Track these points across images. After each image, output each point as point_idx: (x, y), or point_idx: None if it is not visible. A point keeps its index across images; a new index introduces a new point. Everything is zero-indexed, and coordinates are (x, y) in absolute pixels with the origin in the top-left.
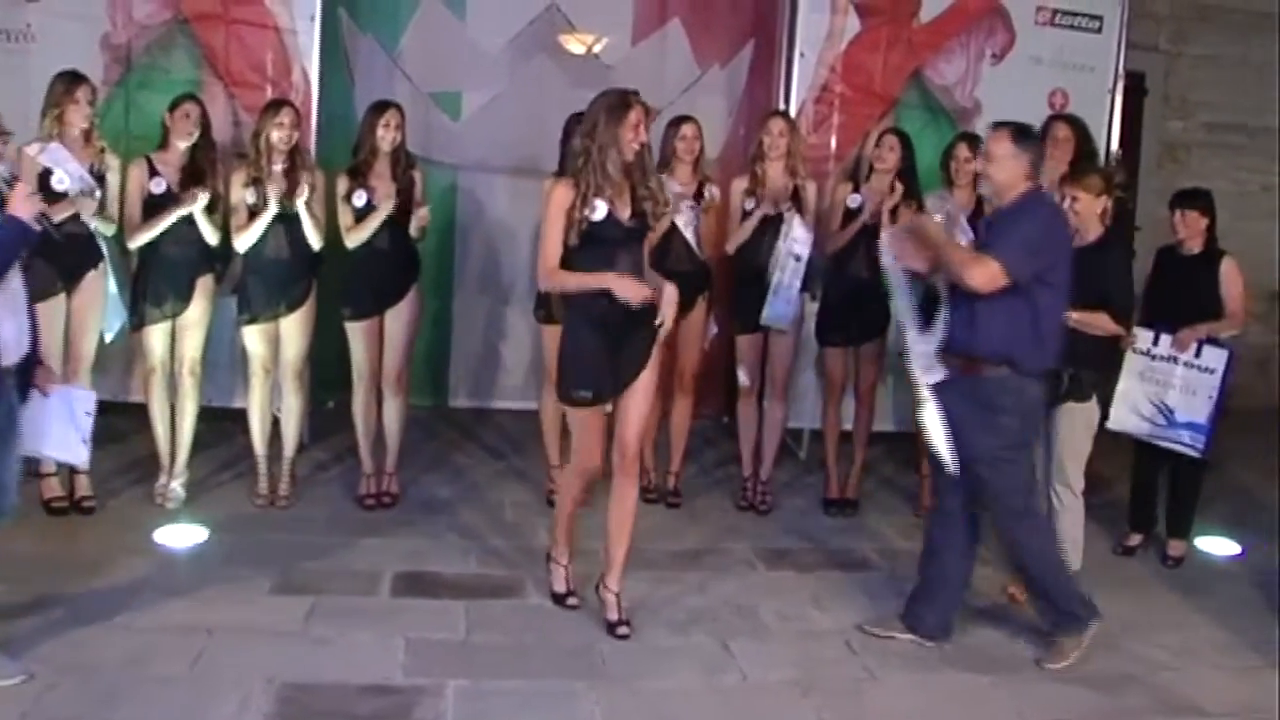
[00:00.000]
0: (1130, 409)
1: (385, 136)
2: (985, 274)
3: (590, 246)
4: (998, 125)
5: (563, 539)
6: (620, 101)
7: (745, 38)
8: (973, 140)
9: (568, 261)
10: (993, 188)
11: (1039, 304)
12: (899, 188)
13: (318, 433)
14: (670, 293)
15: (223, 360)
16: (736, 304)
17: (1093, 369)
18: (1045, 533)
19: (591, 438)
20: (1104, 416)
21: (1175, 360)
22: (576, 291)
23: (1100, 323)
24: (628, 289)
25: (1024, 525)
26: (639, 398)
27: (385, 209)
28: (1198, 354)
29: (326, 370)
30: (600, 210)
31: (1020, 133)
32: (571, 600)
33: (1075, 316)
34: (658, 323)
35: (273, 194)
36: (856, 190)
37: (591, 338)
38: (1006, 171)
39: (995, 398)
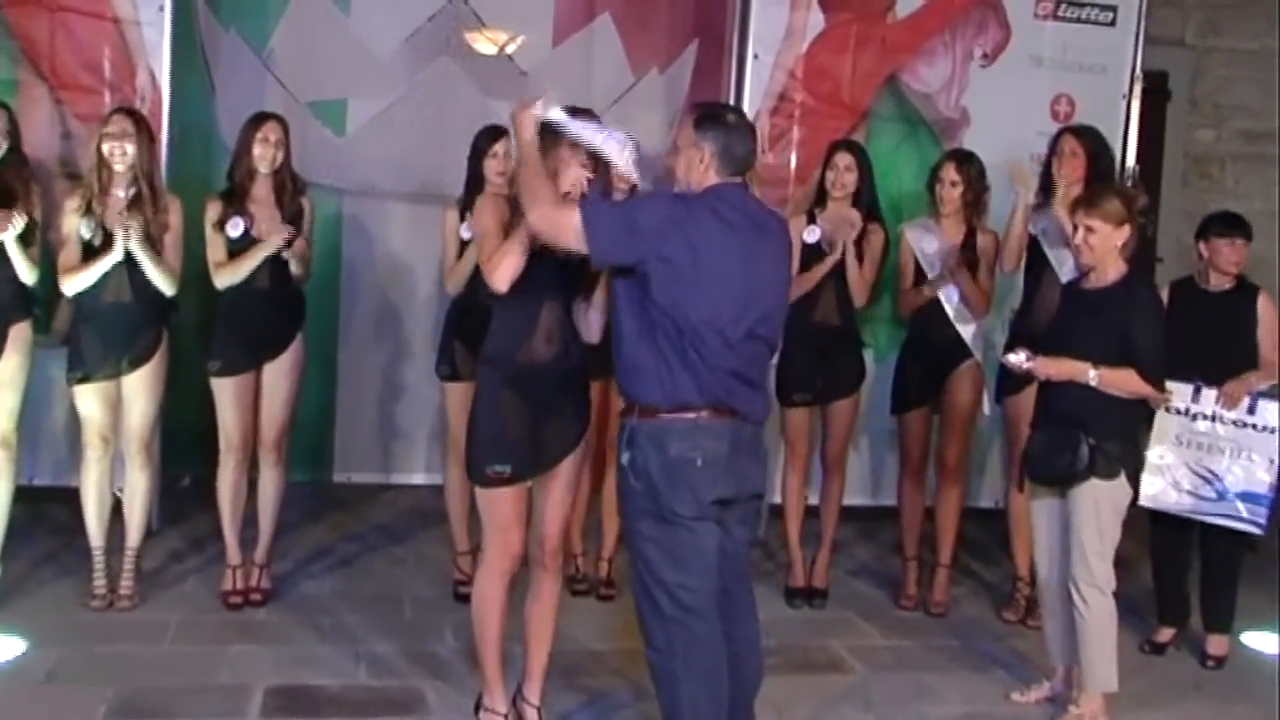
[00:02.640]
0: (1169, 482)
1: (264, 155)
2: (553, 215)
3: (520, 280)
4: (691, 108)
5: (495, 677)
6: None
7: (688, 37)
8: (965, 159)
9: (484, 310)
10: (679, 185)
11: (654, 322)
12: (855, 217)
13: (170, 515)
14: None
15: (47, 428)
16: None
17: (1118, 439)
18: (676, 677)
19: (510, 525)
20: (1135, 495)
21: (1219, 419)
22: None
23: (1127, 383)
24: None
25: (653, 646)
26: (565, 479)
27: (273, 244)
28: (1251, 410)
29: (182, 438)
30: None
31: (706, 118)
32: None
33: (1096, 375)
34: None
35: (120, 234)
36: (813, 221)
37: (511, 401)
38: (685, 163)
39: (622, 448)
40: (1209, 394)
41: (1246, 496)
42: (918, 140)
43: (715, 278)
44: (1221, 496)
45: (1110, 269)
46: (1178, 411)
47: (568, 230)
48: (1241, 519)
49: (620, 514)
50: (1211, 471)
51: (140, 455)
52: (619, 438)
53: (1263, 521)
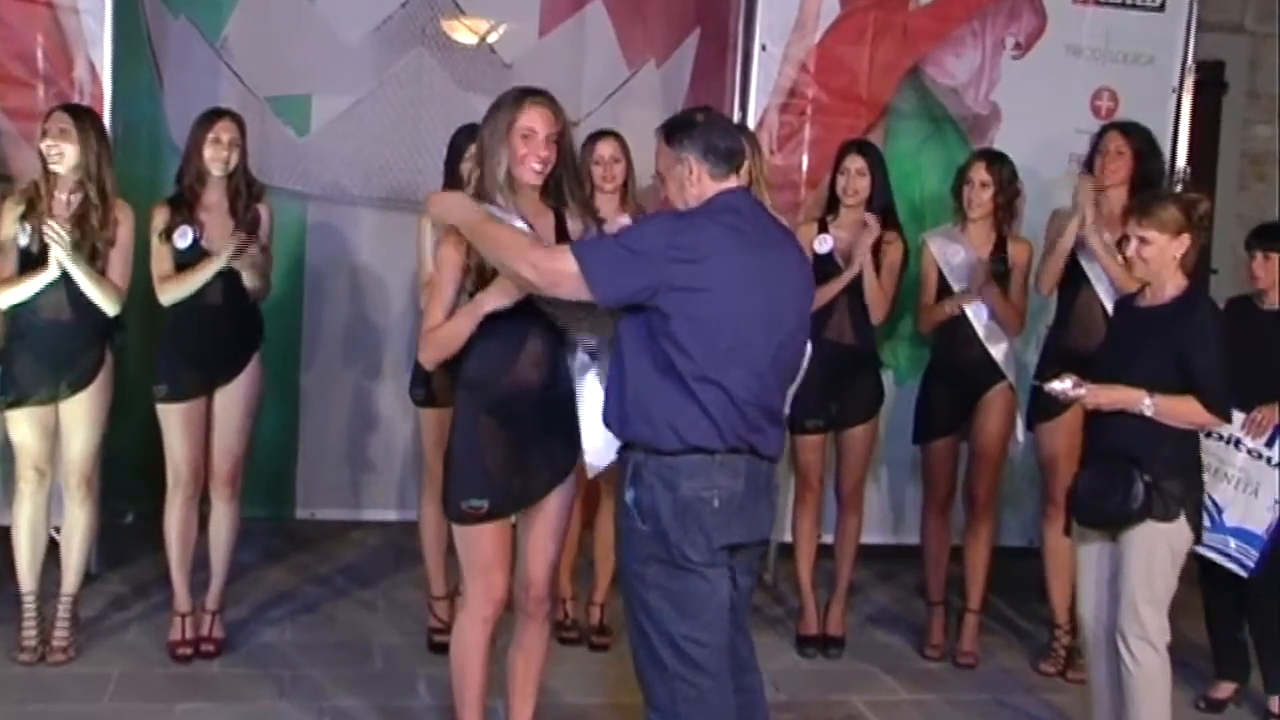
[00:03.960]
0: None
1: (216, 156)
2: (544, 264)
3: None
4: (656, 133)
5: None
6: (510, 99)
7: (688, 27)
8: (995, 159)
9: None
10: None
11: (670, 360)
12: (872, 220)
13: (111, 557)
14: None
15: None
16: None
17: (1177, 476)
18: None
19: (492, 567)
20: (1197, 539)
21: (1237, 444)
22: (459, 341)
23: (1187, 413)
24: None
25: (654, 706)
26: (553, 516)
27: (224, 256)
28: (1270, 442)
29: (125, 470)
30: None
31: (674, 128)
32: None
33: (1151, 403)
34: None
35: (57, 245)
36: (824, 230)
37: (491, 429)
38: (675, 185)
39: (625, 485)
40: (1236, 417)
41: (1240, 533)
42: (943, 139)
43: (737, 298)
44: (1215, 527)
45: (1168, 284)
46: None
47: (564, 278)
48: (1229, 555)
49: (619, 557)
50: (1212, 499)
51: (80, 489)
52: (621, 472)
53: (1251, 564)
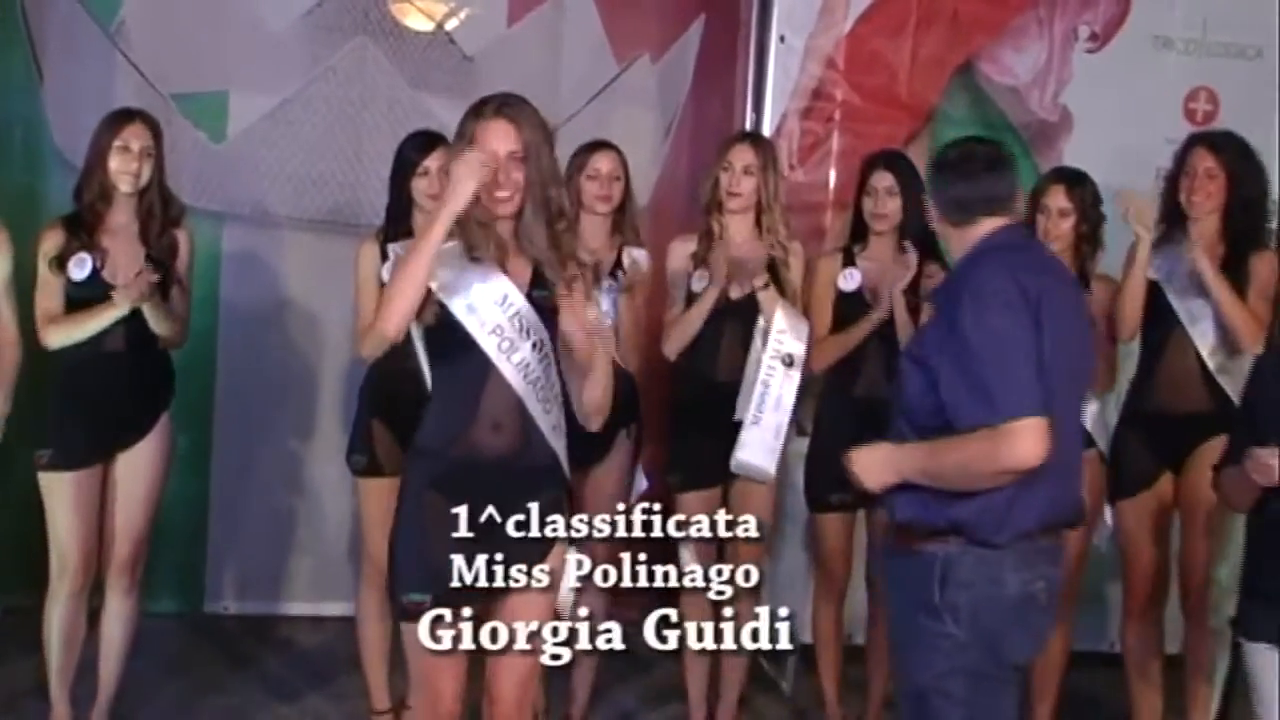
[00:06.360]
0: None
1: (124, 168)
2: (1010, 449)
3: (452, 346)
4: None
5: None
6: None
7: (691, 13)
8: (1075, 180)
9: (413, 379)
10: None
11: None
12: (911, 251)
13: None
14: None
15: None
16: (679, 441)
17: None
18: None
19: (437, 674)
20: None
21: None
22: (414, 286)
23: None
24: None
25: None
26: (529, 615)
27: (126, 297)
28: None
29: None
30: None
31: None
32: None
33: None
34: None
35: None
36: (851, 262)
37: (438, 507)
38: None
39: (932, 585)
40: None
41: None
42: None
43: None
44: None
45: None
46: None
47: (1035, 435)
48: None
49: (902, 671)
50: None
51: None
52: (900, 569)
53: None
